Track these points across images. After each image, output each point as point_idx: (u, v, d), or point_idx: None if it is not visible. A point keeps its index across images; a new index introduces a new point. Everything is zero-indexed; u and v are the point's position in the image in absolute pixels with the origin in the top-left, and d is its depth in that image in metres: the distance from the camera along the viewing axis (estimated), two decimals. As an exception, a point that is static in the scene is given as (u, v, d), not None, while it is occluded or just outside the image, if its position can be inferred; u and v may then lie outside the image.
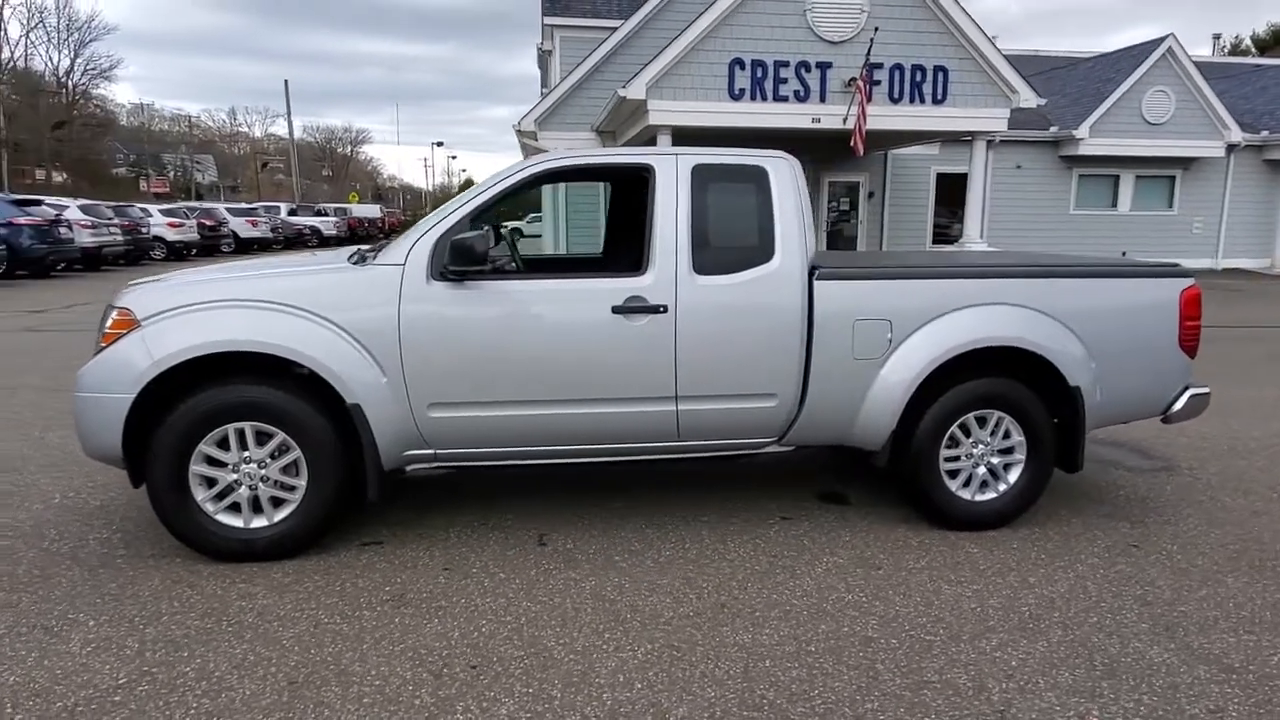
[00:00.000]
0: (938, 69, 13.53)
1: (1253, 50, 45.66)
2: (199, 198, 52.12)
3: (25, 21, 58.40)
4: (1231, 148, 20.04)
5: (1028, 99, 13.85)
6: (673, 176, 3.77)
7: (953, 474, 3.97)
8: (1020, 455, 3.99)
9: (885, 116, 13.58)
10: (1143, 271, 4.07)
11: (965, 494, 3.98)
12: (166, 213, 24.95)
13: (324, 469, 3.52)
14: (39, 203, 17.96)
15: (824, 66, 13.40)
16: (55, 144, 46.88)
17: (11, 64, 46.13)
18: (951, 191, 19.62)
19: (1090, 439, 5.65)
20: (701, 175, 3.79)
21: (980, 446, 3.97)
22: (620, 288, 3.65)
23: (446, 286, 3.56)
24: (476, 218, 3.68)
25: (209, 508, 3.49)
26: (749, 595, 3.33)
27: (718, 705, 2.59)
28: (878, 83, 13.42)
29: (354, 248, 4.35)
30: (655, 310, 3.64)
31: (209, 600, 3.22)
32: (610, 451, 3.85)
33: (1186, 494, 4.60)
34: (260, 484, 3.52)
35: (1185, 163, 20.60)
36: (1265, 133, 20.53)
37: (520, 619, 3.12)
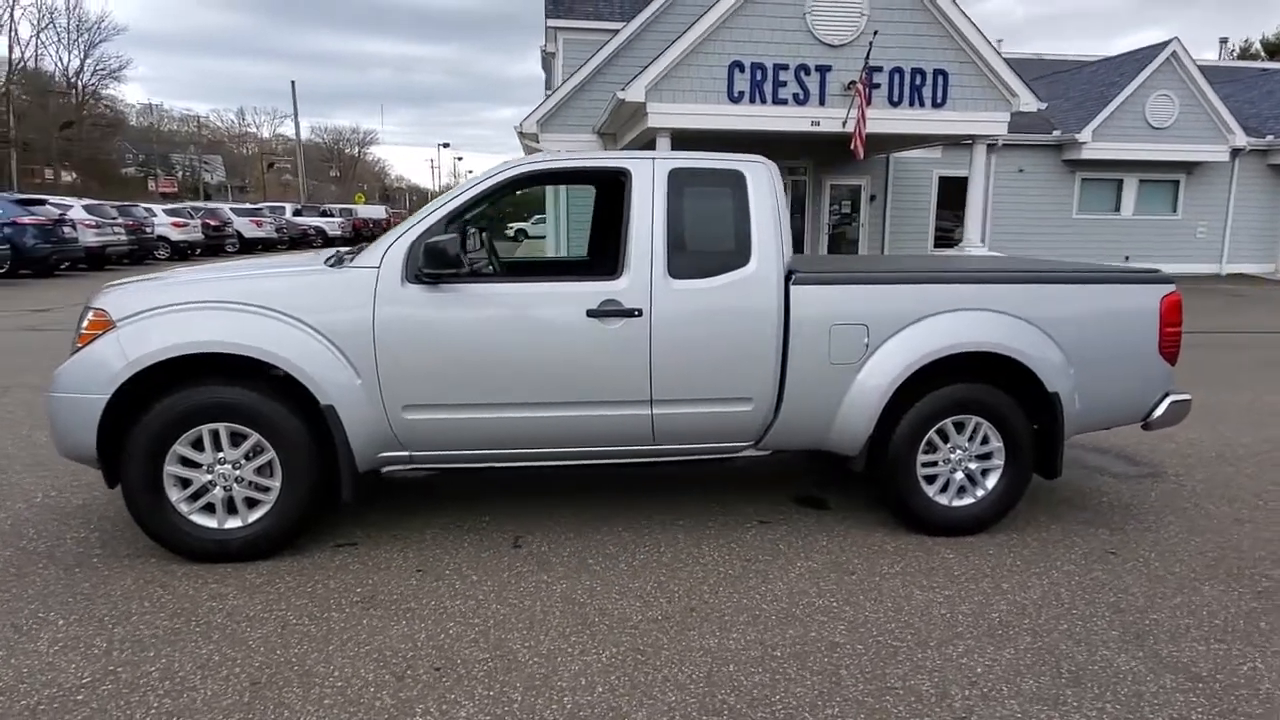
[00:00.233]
0: (937, 72, 13.51)
1: (1262, 54, 45.42)
2: (207, 198, 52.41)
3: (36, 22, 58.88)
4: (1236, 152, 19.96)
5: (1028, 102, 13.82)
6: (649, 180, 3.77)
7: (930, 479, 3.96)
8: (998, 461, 3.98)
9: (885, 120, 13.56)
10: (1123, 277, 4.06)
11: (943, 499, 3.97)
12: (171, 213, 25.11)
13: (298, 470, 3.53)
14: (43, 202, 18.09)
15: (823, 70, 13.39)
16: (64, 144, 47.21)
17: (22, 64, 46.45)
18: (954, 195, 19.57)
19: (1076, 445, 5.63)
20: (678, 179, 3.79)
21: (958, 452, 3.96)
22: (595, 291, 3.66)
23: (421, 289, 3.57)
24: (452, 221, 3.70)
25: (183, 508, 3.50)
26: (719, 599, 3.33)
27: (678, 709, 2.59)
28: (877, 86, 13.41)
29: (333, 250, 4.37)
30: (630, 314, 3.65)
31: (180, 600, 3.23)
32: (585, 454, 3.86)
33: (1170, 501, 4.58)
34: (235, 485, 3.53)
35: (1189, 167, 20.51)
36: (1270, 137, 20.42)
37: (488, 621, 3.13)
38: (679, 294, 3.70)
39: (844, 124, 13.45)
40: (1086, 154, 19.47)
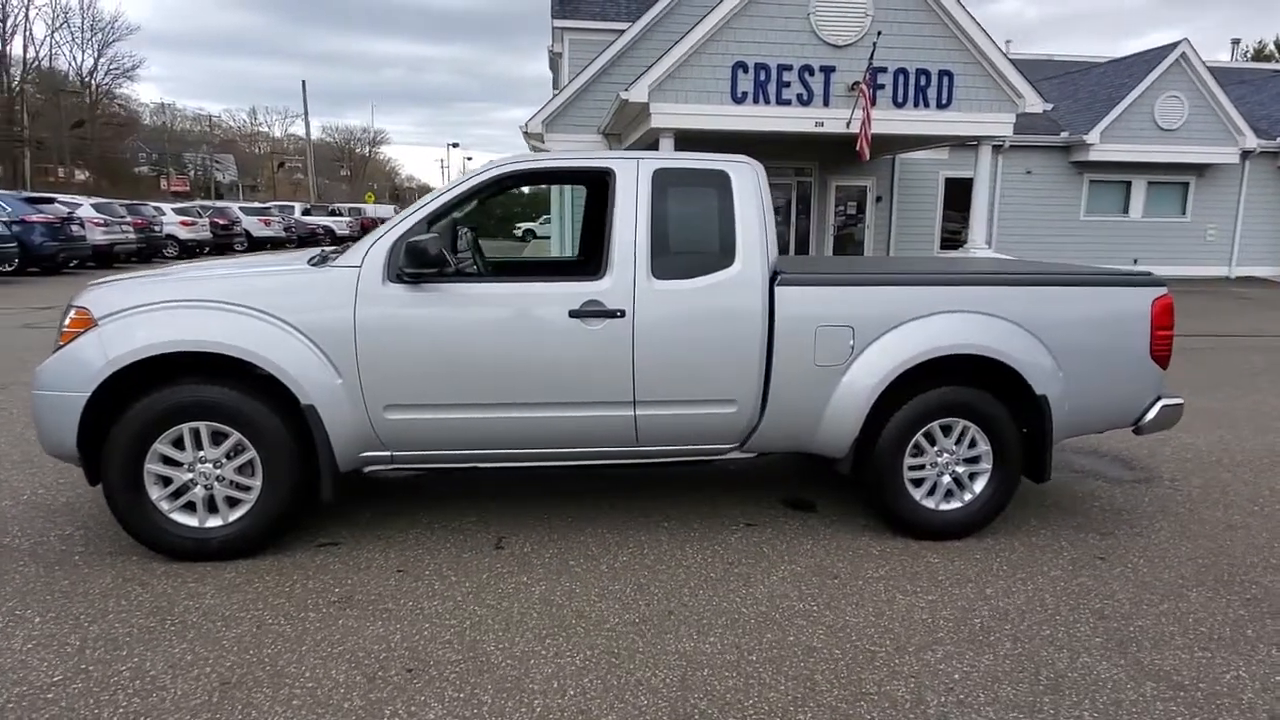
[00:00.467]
0: (942, 73, 13.44)
1: (1276, 54, 45.03)
2: (219, 197, 52.69)
3: (50, 22, 59.34)
4: (1246, 154, 19.78)
5: (1033, 103, 13.73)
6: (633, 181, 3.75)
7: (917, 483, 3.93)
8: (986, 464, 3.94)
9: (889, 121, 13.49)
10: (1114, 280, 4.01)
11: (929, 503, 3.93)
12: (179, 211, 25.23)
13: (279, 469, 3.53)
14: (51, 200, 18.20)
15: (828, 70, 13.34)
16: (78, 142, 47.53)
17: (36, 63, 46.82)
18: (961, 196, 19.43)
19: (1071, 448, 5.58)
20: (662, 180, 3.77)
21: (945, 455, 3.92)
22: (577, 292, 3.64)
23: (403, 289, 3.56)
24: (434, 220, 3.68)
25: (164, 506, 3.50)
26: (698, 602, 3.31)
27: (648, 713, 2.57)
28: (882, 87, 13.34)
29: (318, 249, 4.37)
30: (612, 315, 3.63)
31: (157, 599, 3.23)
32: (568, 455, 3.84)
33: (1164, 506, 4.53)
34: (215, 484, 3.53)
35: (1199, 169, 20.34)
36: (1282, 139, 20.24)
37: (465, 623, 3.11)
38: (662, 295, 3.67)
39: (848, 125, 13.39)
40: (1095, 155, 19.33)
